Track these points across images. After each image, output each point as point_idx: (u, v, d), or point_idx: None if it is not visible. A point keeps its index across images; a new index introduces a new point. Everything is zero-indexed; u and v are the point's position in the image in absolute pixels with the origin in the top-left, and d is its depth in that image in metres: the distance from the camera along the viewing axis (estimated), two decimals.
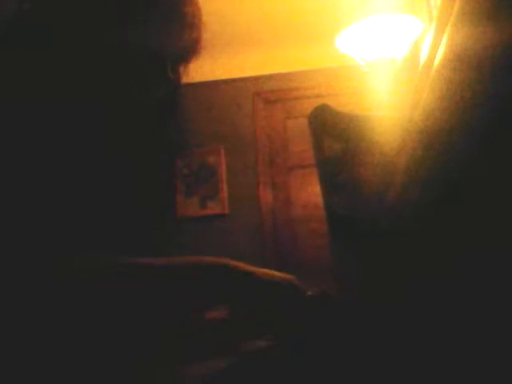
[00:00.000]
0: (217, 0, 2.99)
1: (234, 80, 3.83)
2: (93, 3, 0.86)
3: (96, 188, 0.85)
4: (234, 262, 0.88)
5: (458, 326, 0.72)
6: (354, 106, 2.81)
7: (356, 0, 2.58)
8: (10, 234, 0.74)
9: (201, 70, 0.99)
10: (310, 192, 3.61)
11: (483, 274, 0.67)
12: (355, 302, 0.88)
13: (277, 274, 0.90)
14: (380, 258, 0.85)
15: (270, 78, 3.82)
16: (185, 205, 3.69)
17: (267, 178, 3.76)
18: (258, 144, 3.80)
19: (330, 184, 0.99)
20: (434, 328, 0.75)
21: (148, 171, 0.99)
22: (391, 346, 0.80)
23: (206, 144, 3.77)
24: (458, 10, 0.48)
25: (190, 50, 0.93)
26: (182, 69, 0.95)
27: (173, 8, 0.90)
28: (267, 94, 3.84)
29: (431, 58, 0.57)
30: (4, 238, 0.73)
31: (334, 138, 0.99)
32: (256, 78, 3.82)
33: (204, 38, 0.94)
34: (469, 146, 0.61)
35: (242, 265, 0.88)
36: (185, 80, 0.97)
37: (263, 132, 3.81)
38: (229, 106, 3.83)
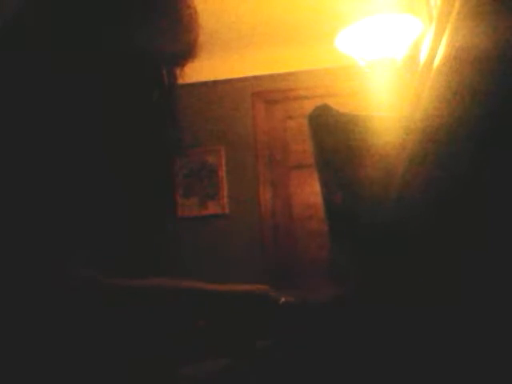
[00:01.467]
0: (217, 0, 2.99)
1: (233, 80, 3.83)
2: (89, 5, 0.86)
3: (95, 189, 0.85)
4: (197, 284, 0.88)
5: (458, 326, 0.72)
6: (354, 106, 2.81)
7: (356, 0, 2.58)
8: (8, 236, 0.74)
9: (200, 70, 0.99)
10: (310, 192, 3.62)
11: (484, 274, 0.67)
12: (354, 302, 0.88)
13: (246, 286, 0.90)
14: (379, 258, 0.85)
15: (270, 78, 3.82)
16: (185, 205, 3.69)
17: (267, 177, 3.76)
18: (258, 144, 3.80)
19: (330, 184, 0.99)
20: (433, 329, 0.75)
21: (147, 171, 0.99)
22: (390, 348, 0.80)
23: (206, 144, 3.77)
24: (458, 10, 0.48)
25: (186, 52, 0.93)
26: (178, 71, 0.95)
27: (169, 11, 0.90)
28: (267, 93, 3.84)
29: (431, 58, 0.57)
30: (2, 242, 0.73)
31: (333, 138, 0.99)
32: (256, 78, 3.82)
33: (204, 38, 0.94)
34: (469, 146, 0.61)
35: (207, 285, 0.88)
36: (184, 80, 0.97)
37: (263, 132, 3.81)
38: (228, 106, 3.83)
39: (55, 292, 0.75)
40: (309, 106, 1.11)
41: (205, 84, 3.66)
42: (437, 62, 0.56)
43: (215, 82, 3.79)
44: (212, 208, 3.73)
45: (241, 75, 3.81)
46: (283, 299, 0.86)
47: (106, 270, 0.81)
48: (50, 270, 0.75)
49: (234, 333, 0.86)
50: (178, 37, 0.91)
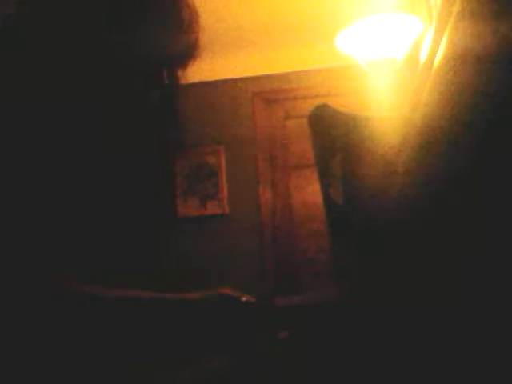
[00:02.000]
0: (217, 0, 2.99)
1: (233, 80, 3.83)
2: (89, 8, 0.86)
3: (95, 190, 0.85)
4: (157, 294, 0.89)
5: (457, 326, 0.72)
6: (354, 106, 2.81)
7: (356, 0, 2.58)
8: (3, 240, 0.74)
9: (200, 70, 0.99)
10: (310, 192, 3.61)
11: (483, 274, 0.67)
12: (354, 302, 0.88)
13: (207, 292, 0.92)
14: (380, 257, 0.85)
15: (269, 78, 3.82)
16: (185, 205, 3.69)
17: (267, 177, 3.76)
18: (258, 144, 3.80)
19: (330, 184, 0.99)
20: (433, 329, 0.75)
21: (147, 172, 0.99)
22: (390, 347, 0.80)
23: (206, 144, 3.77)
24: (458, 10, 0.48)
25: (187, 54, 0.93)
26: (179, 72, 0.95)
27: (169, 13, 0.90)
28: (267, 94, 3.83)
29: (431, 58, 0.57)
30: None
31: (333, 138, 0.99)
32: (256, 78, 3.82)
33: (204, 38, 0.94)
34: (469, 146, 0.61)
35: (167, 295, 0.89)
36: (184, 81, 0.97)
37: (263, 132, 3.81)
38: (229, 106, 3.83)
39: (35, 297, 0.75)
40: (309, 106, 1.11)
41: (205, 84, 3.66)
42: (437, 62, 0.56)
43: (215, 82, 3.79)
44: (212, 208, 3.73)
45: (241, 75, 3.81)
46: (244, 299, 0.90)
47: (102, 272, 0.82)
48: (35, 276, 0.75)
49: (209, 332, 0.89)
50: (178, 38, 0.91)
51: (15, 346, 0.74)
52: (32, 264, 0.75)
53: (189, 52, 0.93)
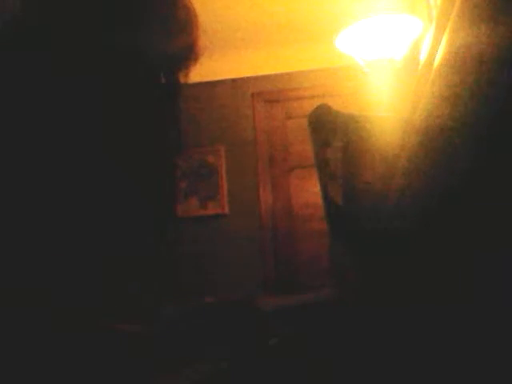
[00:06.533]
0: (217, 0, 3.00)
1: (233, 80, 3.83)
2: (85, 8, 0.86)
3: (94, 191, 0.85)
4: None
5: (456, 326, 0.72)
6: (353, 106, 2.81)
7: (356, 0, 2.58)
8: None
9: (200, 70, 0.99)
10: (310, 192, 3.62)
11: (484, 274, 0.67)
12: (354, 302, 0.88)
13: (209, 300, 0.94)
14: (379, 258, 0.85)
15: (269, 78, 3.82)
16: (185, 205, 3.69)
17: (267, 178, 3.76)
18: (258, 144, 3.80)
19: (330, 184, 0.99)
20: (432, 330, 0.75)
21: (147, 172, 0.99)
22: (389, 348, 0.80)
23: (206, 144, 3.77)
24: (458, 10, 0.48)
25: (184, 55, 0.93)
26: (179, 73, 0.95)
27: (165, 14, 0.89)
28: (267, 94, 3.84)
29: (431, 58, 0.57)
30: None
31: (333, 138, 0.99)
32: (256, 78, 3.82)
33: (204, 38, 0.94)
34: (469, 146, 0.61)
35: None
36: (184, 81, 0.97)
37: (263, 132, 3.81)
38: (229, 106, 3.84)
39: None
40: (309, 106, 1.11)
41: (205, 84, 3.66)
42: (437, 62, 0.56)
43: (215, 82, 3.79)
44: (212, 208, 3.73)
45: (241, 75, 3.82)
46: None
47: (101, 273, 0.82)
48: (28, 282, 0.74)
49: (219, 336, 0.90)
50: (174, 38, 0.90)
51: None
52: (28, 267, 0.75)
53: (186, 53, 0.93)
